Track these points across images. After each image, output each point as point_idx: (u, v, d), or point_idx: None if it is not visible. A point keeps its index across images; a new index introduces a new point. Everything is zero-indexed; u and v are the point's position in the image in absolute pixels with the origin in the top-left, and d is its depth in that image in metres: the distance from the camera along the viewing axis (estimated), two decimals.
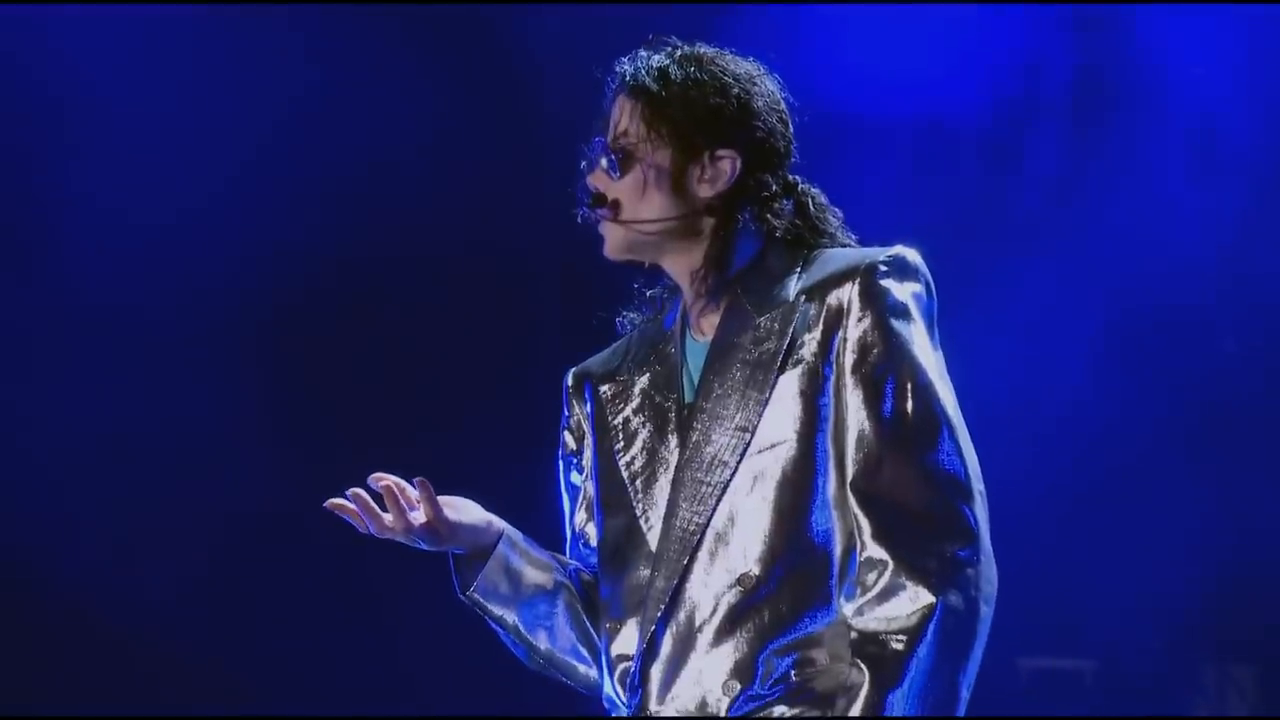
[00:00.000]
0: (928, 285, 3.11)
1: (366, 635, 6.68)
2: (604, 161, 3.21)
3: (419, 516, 3.20)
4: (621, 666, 3.16)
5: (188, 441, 6.42)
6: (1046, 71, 6.77)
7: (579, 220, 3.26)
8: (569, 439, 3.38)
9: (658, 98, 3.18)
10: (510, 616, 3.28)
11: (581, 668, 3.33)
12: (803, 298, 3.12)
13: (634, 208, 3.19)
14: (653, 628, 3.09)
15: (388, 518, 3.20)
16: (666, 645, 3.09)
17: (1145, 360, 6.65)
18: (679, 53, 3.23)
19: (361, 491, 3.20)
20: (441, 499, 3.21)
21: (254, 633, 6.55)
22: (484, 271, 6.75)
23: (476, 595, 3.26)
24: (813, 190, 3.24)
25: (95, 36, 6.32)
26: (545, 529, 3.41)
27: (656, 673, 3.10)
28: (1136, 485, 6.61)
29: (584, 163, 3.24)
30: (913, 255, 3.10)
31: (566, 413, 3.37)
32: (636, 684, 3.11)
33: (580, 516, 3.36)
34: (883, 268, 3.07)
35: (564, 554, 3.39)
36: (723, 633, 3.06)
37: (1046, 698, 6.71)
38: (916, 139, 6.72)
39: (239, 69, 6.47)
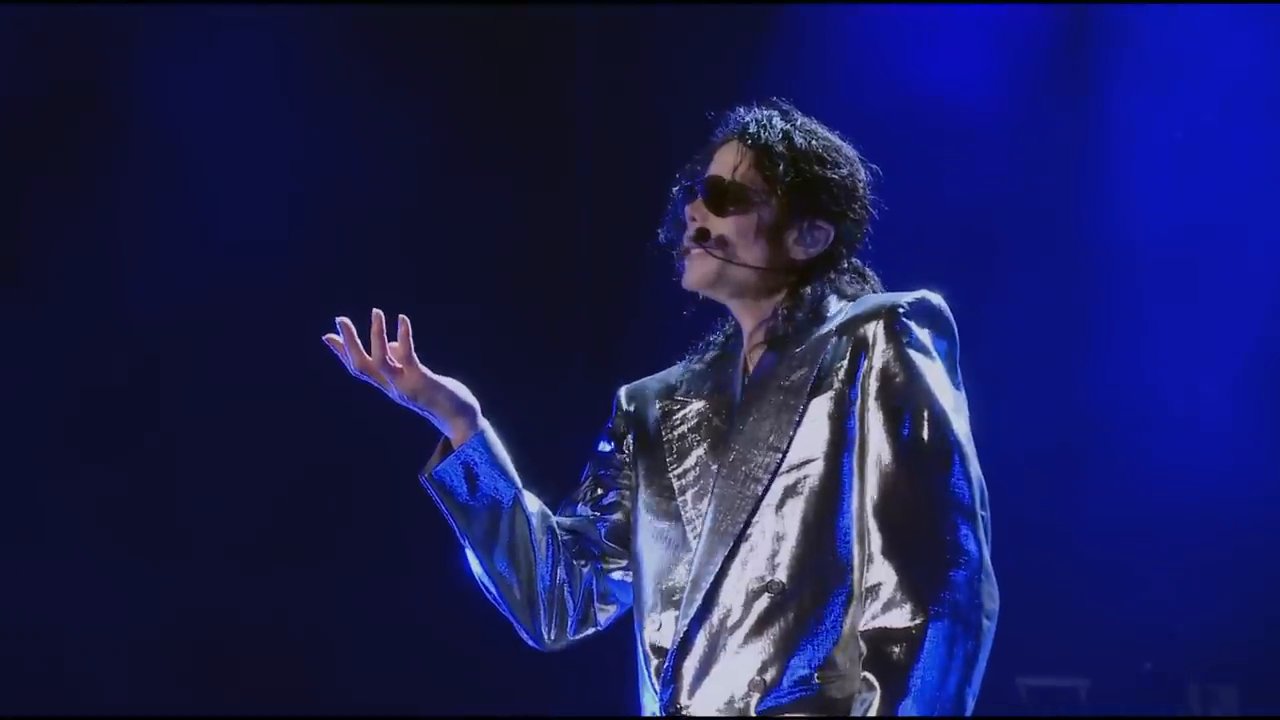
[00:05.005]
0: (948, 325, 3.32)
1: (374, 627, 6.75)
2: (710, 195, 3.41)
3: (395, 357, 3.38)
4: (656, 661, 3.33)
5: None
6: None
7: (664, 243, 3.46)
8: (611, 438, 3.57)
9: (779, 156, 3.40)
10: (462, 519, 3.44)
11: (518, 593, 3.49)
12: (835, 332, 3.33)
13: (732, 249, 3.40)
14: (687, 625, 3.28)
15: (369, 356, 3.38)
16: (699, 643, 3.27)
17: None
18: (799, 120, 3.44)
19: (349, 321, 3.40)
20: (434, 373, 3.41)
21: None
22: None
23: (431, 482, 3.44)
24: (871, 274, 3.49)
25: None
26: None
27: (689, 668, 3.27)
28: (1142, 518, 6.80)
29: (679, 189, 3.46)
30: (935, 298, 3.32)
31: (612, 419, 3.58)
32: (669, 678, 3.29)
33: (593, 487, 3.55)
34: (907, 307, 3.29)
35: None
36: (751, 634, 3.24)
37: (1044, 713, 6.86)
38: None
39: None
